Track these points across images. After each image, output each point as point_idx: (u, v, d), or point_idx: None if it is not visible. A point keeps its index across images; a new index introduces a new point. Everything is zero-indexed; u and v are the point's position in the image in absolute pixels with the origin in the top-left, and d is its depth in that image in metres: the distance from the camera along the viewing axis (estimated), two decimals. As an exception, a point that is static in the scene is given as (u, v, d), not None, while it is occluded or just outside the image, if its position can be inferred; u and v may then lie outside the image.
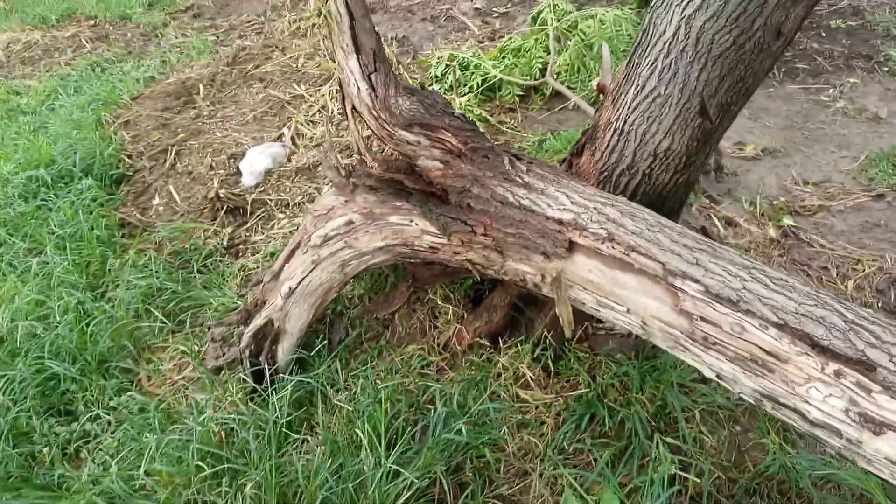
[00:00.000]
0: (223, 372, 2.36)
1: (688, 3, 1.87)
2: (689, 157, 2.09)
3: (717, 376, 1.59)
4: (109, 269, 2.85)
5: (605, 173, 2.20)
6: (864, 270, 2.58)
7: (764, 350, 1.45)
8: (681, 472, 1.85)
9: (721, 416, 2.05)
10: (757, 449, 1.97)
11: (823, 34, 4.58)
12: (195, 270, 2.91)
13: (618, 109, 2.13)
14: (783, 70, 4.16)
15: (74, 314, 2.54)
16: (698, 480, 1.83)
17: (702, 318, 1.55)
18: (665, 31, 1.94)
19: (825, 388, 1.36)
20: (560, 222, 1.82)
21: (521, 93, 4.05)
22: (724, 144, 3.39)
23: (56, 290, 2.66)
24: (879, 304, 2.45)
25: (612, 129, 2.16)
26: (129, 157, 3.73)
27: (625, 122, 2.10)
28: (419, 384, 2.14)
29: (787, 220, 2.82)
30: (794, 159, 3.32)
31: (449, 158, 2.04)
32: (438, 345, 2.34)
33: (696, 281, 1.57)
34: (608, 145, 2.18)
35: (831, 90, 3.93)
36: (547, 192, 1.91)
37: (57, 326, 2.50)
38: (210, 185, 3.42)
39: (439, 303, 2.40)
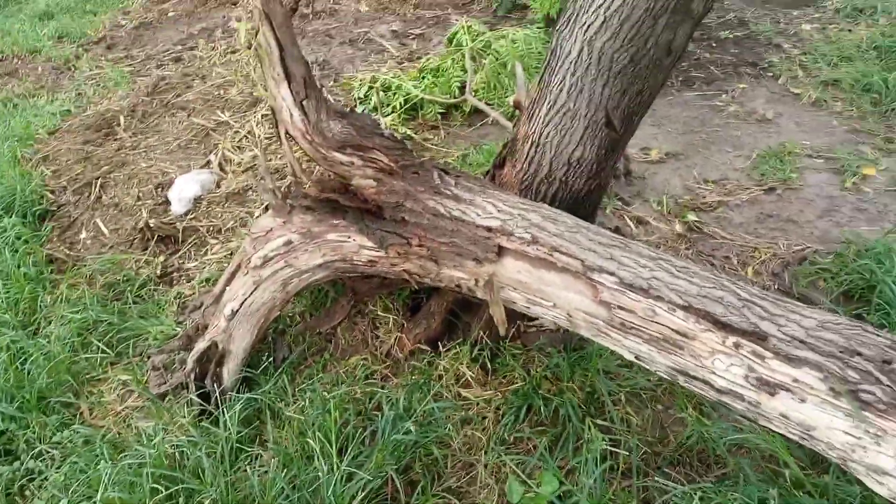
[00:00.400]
0: (167, 398, 2.38)
1: (589, 26, 2.06)
2: (599, 164, 2.29)
3: (636, 357, 1.77)
4: (41, 306, 2.81)
5: (527, 182, 2.38)
6: (760, 257, 2.87)
7: (673, 330, 1.64)
8: (612, 449, 2.02)
9: (644, 397, 2.25)
10: (678, 423, 2.17)
11: (714, 44, 4.99)
12: (130, 301, 2.91)
13: (533, 124, 2.32)
14: (681, 79, 4.52)
15: (8, 353, 2.49)
16: (627, 454, 2.01)
17: (619, 307, 1.73)
18: (570, 52, 2.13)
19: (727, 359, 1.56)
20: (489, 229, 1.98)
21: (442, 110, 4.22)
22: (632, 151, 3.66)
23: (-14, 330, 2.61)
24: (776, 286, 2.73)
25: (529, 142, 2.34)
26: (52, 192, 3.66)
27: (540, 135, 2.28)
28: (365, 392, 2.24)
29: (691, 216, 3.09)
30: (695, 160, 3.63)
31: (381, 176, 2.16)
32: (381, 354, 2.45)
33: (612, 273, 1.76)
34: (527, 157, 2.36)
35: (724, 95, 4.30)
36: (475, 203, 2.07)
37: (-10, 367, 2.45)
38: (139, 216, 3.41)
39: (379, 313, 2.51)
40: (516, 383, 2.26)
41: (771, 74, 4.55)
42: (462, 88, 4.26)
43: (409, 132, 3.94)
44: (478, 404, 2.23)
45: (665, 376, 1.72)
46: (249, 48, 4.73)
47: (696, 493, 1.86)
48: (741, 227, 3.08)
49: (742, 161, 3.60)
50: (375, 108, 4.16)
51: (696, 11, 2.02)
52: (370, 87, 4.29)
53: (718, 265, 2.82)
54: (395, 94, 4.23)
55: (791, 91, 4.33)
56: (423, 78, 4.42)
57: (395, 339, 2.43)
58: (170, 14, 6.63)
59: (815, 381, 1.45)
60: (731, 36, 5.10)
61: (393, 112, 4.15)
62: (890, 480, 1.37)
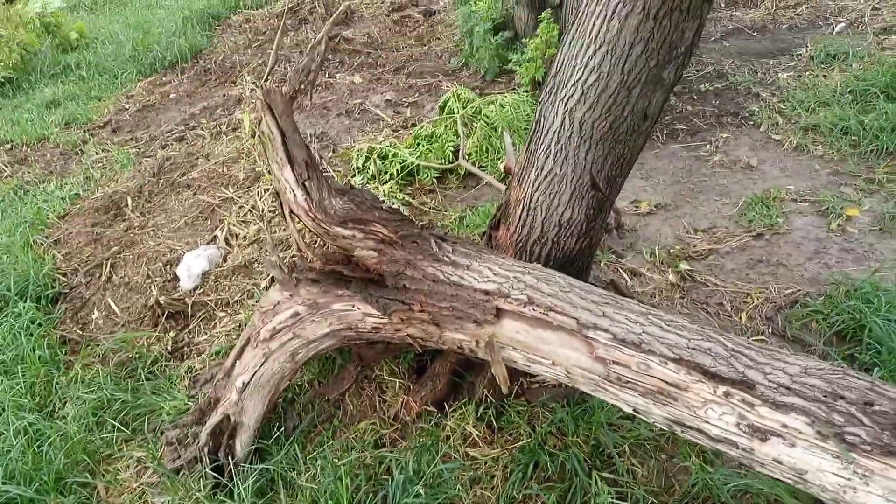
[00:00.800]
0: (182, 472, 2.43)
1: (569, 97, 2.21)
2: (588, 223, 2.41)
3: (634, 410, 1.84)
4: (56, 387, 2.89)
5: (521, 244, 2.49)
6: (753, 302, 2.95)
7: (667, 382, 1.72)
8: (618, 502, 2.07)
9: (648, 447, 2.30)
10: (682, 472, 2.22)
11: (696, 97, 5.20)
12: (142, 378, 2.98)
13: (524, 188, 2.45)
14: (665, 132, 4.69)
15: (26, 437, 2.56)
16: (635, 507, 2.05)
17: (614, 362, 1.81)
18: (553, 121, 2.27)
19: (719, 408, 1.64)
20: (486, 293, 2.08)
21: (438, 175, 4.38)
22: (623, 204, 3.79)
23: (4, 414, 2.68)
24: (770, 331, 2.81)
25: (521, 206, 2.47)
26: (64, 274, 3.78)
27: (531, 199, 2.41)
28: (375, 457, 2.30)
29: (684, 265, 3.19)
30: (684, 210, 3.75)
31: (382, 247, 2.28)
32: (389, 417, 2.51)
33: (605, 330, 1.84)
34: (520, 220, 2.48)
35: (708, 146, 4.47)
36: (472, 267, 2.17)
37: (9, 451, 2.51)
38: (149, 293, 3.51)
39: (386, 378, 2.58)
40: (522, 440, 2.32)
41: (752, 123, 4.73)
42: (456, 153, 4.44)
43: (406, 198, 4.08)
44: (486, 463, 2.28)
45: (662, 426, 1.79)
46: (254, 136, 4.94)
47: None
48: (733, 273, 3.18)
49: (730, 209, 3.72)
50: (374, 177, 4.33)
51: (667, 80, 2.17)
52: (367, 157, 4.47)
53: (713, 312, 2.91)
54: (391, 161, 4.40)
55: (773, 138, 4.49)
56: (418, 145, 4.61)
57: (402, 402, 2.50)
58: (171, 96, 6.90)
59: (802, 426, 1.52)
60: (711, 88, 5.31)
61: (391, 179, 4.31)
62: (882, 519, 1.43)
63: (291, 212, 2.22)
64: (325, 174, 2.41)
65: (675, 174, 4.18)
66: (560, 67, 2.27)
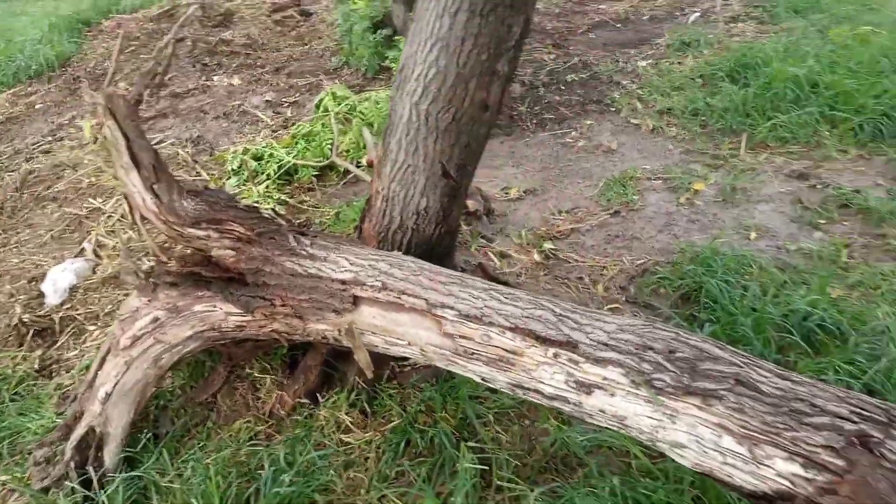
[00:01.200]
0: (51, 491, 2.36)
1: (414, 91, 2.31)
2: (445, 210, 2.53)
3: (483, 379, 1.98)
4: None
5: (383, 234, 2.59)
6: (609, 274, 3.19)
7: (506, 350, 1.86)
8: (484, 467, 2.20)
9: (512, 415, 2.46)
10: (543, 434, 2.38)
11: (563, 87, 5.48)
12: (7, 400, 2.85)
13: (382, 180, 2.54)
14: (535, 122, 4.93)
15: None
16: (500, 472, 2.19)
17: (460, 336, 1.93)
18: (403, 115, 2.37)
19: (550, 368, 1.79)
20: (343, 282, 2.15)
21: (317, 173, 4.41)
22: (494, 192, 3.97)
23: None
24: (624, 299, 3.05)
25: (381, 197, 2.56)
26: (-85, 300, 3.53)
27: (388, 190, 2.51)
28: (248, 453, 2.33)
29: (548, 245, 3.39)
30: (551, 194, 3.97)
31: (240, 245, 2.31)
32: (264, 414, 2.54)
33: (452, 307, 1.96)
34: (380, 210, 2.58)
35: (573, 133, 4.73)
36: (329, 259, 2.24)
37: None
38: (12, 313, 3.35)
39: (258, 375, 2.61)
40: (394, 421, 2.41)
41: (614, 109, 5.05)
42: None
43: (284, 197, 4.09)
44: (359, 447, 2.35)
45: (509, 392, 1.94)
46: (95, 142, 4.77)
47: (558, 495, 2.06)
48: (592, 249, 3.41)
49: (591, 190, 3.98)
50: (250, 178, 4.30)
51: (502, 72, 2.32)
52: (243, 159, 4.43)
53: (573, 286, 3.11)
54: (268, 162, 4.38)
55: (632, 122, 4.82)
56: (297, 144, 4.61)
57: (276, 398, 2.54)
58: (37, 106, 6.52)
59: (619, 377, 1.69)
60: (577, 78, 5.61)
61: (268, 179, 4.29)
62: (688, 452, 1.62)
63: (142, 217, 2.21)
64: (197, 178, 2.40)
65: (543, 161, 4.40)
66: (405, 63, 2.38)
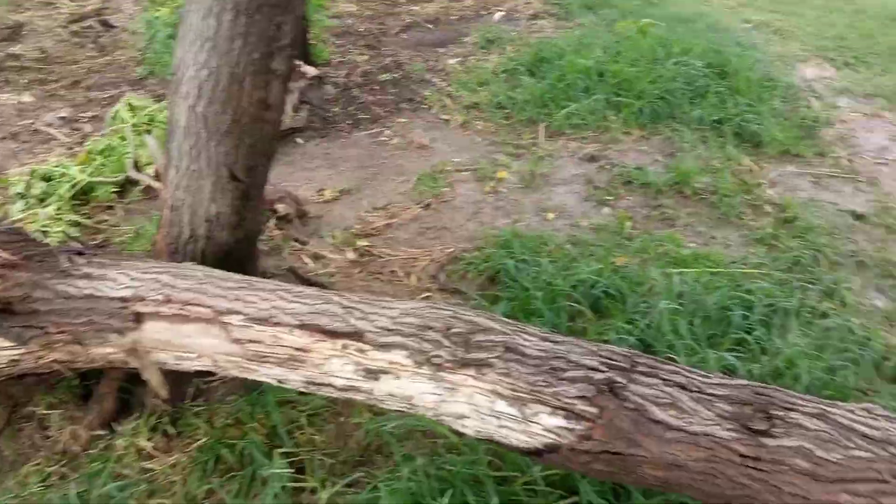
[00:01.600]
0: None
1: (189, 94, 2.23)
2: (238, 214, 2.46)
3: (279, 381, 1.95)
4: None
5: (174, 245, 2.47)
6: (421, 265, 3.28)
7: (295, 348, 1.85)
8: (296, 472, 2.17)
9: (325, 415, 2.45)
10: (356, 428, 2.40)
11: (376, 87, 5.54)
12: None
13: (168, 189, 2.42)
14: (350, 122, 4.94)
15: None
16: (312, 478, 2.16)
17: (249, 340, 1.89)
18: (180, 120, 2.28)
19: (339, 360, 1.81)
20: (123, 299, 2.03)
21: (117, 189, 4.10)
22: (308, 194, 3.93)
23: None
24: (435, 287, 3.15)
25: (168, 207, 2.44)
26: None
27: (174, 198, 2.39)
28: (38, 498, 2.12)
29: (362, 243, 3.42)
30: (366, 193, 4.01)
31: (4, 272, 2.09)
32: (56, 453, 2.32)
33: (238, 313, 1.92)
34: (169, 221, 2.46)
35: (387, 131, 4.81)
36: (108, 276, 2.10)
37: None
38: None
39: (46, 412, 2.39)
40: (200, 440, 2.31)
41: (426, 106, 5.19)
42: (136, 164, 4.19)
43: (78, 219, 3.76)
44: (163, 472, 2.23)
45: (304, 390, 1.93)
46: None
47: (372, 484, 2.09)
48: (405, 242, 3.49)
49: (405, 185, 4.06)
50: (38, 201, 3.91)
51: (279, 70, 2.30)
52: (29, 181, 4.01)
53: (386, 280, 3.17)
54: (58, 182, 4.01)
55: (442, 118, 4.99)
56: (94, 160, 4.26)
57: (69, 433, 2.33)
58: None
59: (403, 359, 1.75)
60: (390, 78, 5.70)
61: (59, 201, 3.92)
62: (469, 421, 1.71)
63: None
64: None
65: (358, 160, 4.43)
66: (178, 65, 2.28)
